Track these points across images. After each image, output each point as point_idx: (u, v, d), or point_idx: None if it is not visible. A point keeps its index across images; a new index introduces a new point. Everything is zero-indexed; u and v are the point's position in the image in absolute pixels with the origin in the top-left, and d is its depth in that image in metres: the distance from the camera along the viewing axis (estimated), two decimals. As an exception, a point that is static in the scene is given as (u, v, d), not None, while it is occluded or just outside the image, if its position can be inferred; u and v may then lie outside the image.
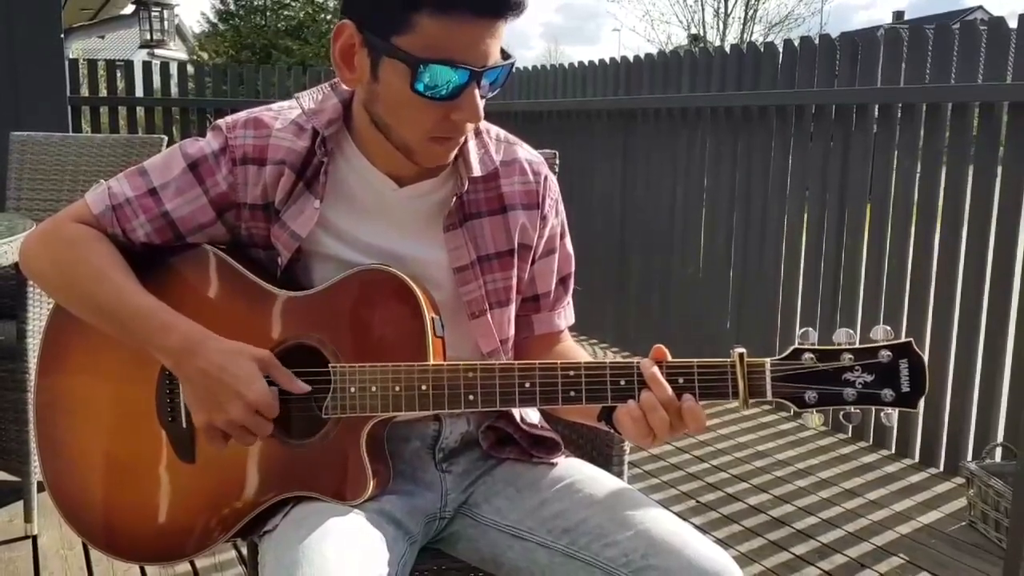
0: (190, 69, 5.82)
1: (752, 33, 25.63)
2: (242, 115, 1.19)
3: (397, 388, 1.09)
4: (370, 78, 1.08)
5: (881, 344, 1.04)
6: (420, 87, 1.04)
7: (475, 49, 1.04)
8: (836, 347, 1.05)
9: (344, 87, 1.18)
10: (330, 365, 1.11)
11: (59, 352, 1.22)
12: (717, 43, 23.15)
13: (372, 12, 1.05)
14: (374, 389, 1.09)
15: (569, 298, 1.37)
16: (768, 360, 1.05)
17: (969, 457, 3.02)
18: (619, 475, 1.35)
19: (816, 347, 1.05)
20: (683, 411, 1.05)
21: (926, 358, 1.08)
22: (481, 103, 1.07)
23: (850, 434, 3.45)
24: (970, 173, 3.03)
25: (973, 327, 3.02)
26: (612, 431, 1.16)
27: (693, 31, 26.25)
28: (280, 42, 16.67)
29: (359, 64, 1.09)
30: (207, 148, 1.18)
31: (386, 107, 1.10)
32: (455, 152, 1.16)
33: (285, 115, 1.19)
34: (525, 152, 1.29)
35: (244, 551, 1.30)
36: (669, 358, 1.08)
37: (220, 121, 1.20)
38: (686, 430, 1.07)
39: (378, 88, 1.08)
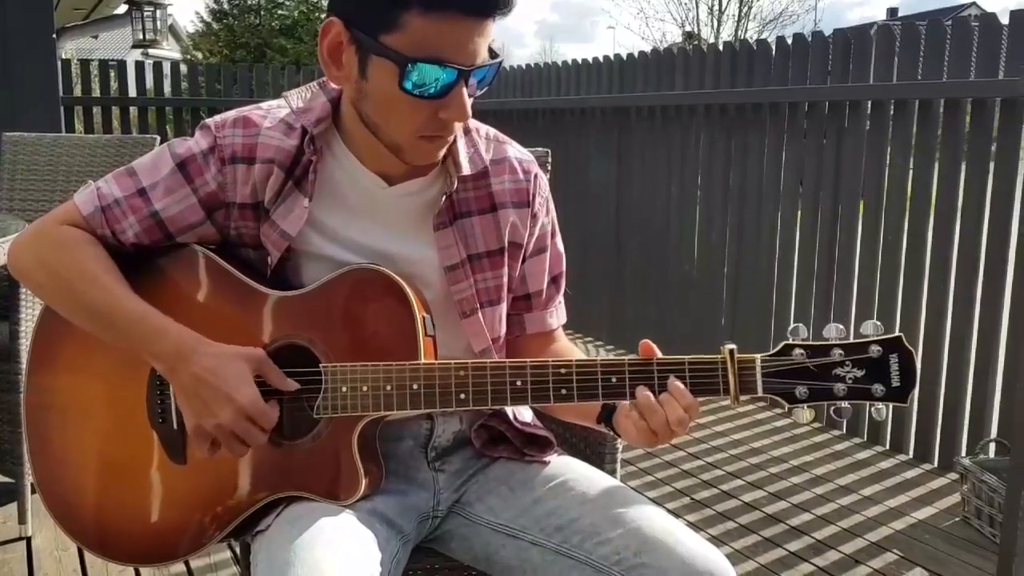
0: (183, 69, 5.79)
1: (746, 30, 25.61)
2: (231, 114, 1.19)
3: (388, 387, 1.09)
4: (358, 76, 1.08)
5: (871, 339, 1.04)
6: (408, 86, 1.04)
7: (464, 48, 1.03)
8: (826, 343, 1.05)
9: (333, 85, 1.18)
10: (321, 365, 1.10)
11: (49, 352, 1.22)
12: (711, 40, 23.16)
13: (360, 10, 1.05)
14: (365, 388, 1.09)
15: (561, 297, 1.37)
16: (759, 356, 1.06)
17: (963, 453, 3.02)
18: (612, 473, 1.35)
19: (807, 343, 1.05)
20: (670, 389, 1.06)
21: (919, 354, 1.08)
22: (469, 102, 1.07)
23: (844, 430, 3.45)
24: (963, 169, 3.04)
25: (966, 323, 3.02)
26: (612, 433, 1.17)
27: (687, 29, 26.24)
28: (274, 41, 16.63)
29: (347, 62, 1.08)
30: (196, 147, 1.17)
31: (374, 105, 1.10)
32: (444, 150, 1.16)
33: (274, 114, 1.19)
34: (515, 151, 1.29)
35: (238, 551, 1.30)
36: (658, 354, 1.08)
37: (208, 120, 1.19)
38: (684, 420, 1.06)
39: (366, 86, 1.08)
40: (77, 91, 5.46)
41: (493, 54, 1.08)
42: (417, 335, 1.10)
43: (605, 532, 1.12)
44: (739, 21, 25.74)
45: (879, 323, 1.06)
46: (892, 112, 3.24)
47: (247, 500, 1.14)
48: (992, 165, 2.95)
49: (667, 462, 3.12)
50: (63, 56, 6.42)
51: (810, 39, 3.55)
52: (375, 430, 1.16)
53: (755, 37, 20.46)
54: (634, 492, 1.21)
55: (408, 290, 1.11)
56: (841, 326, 1.05)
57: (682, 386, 1.06)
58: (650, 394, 1.06)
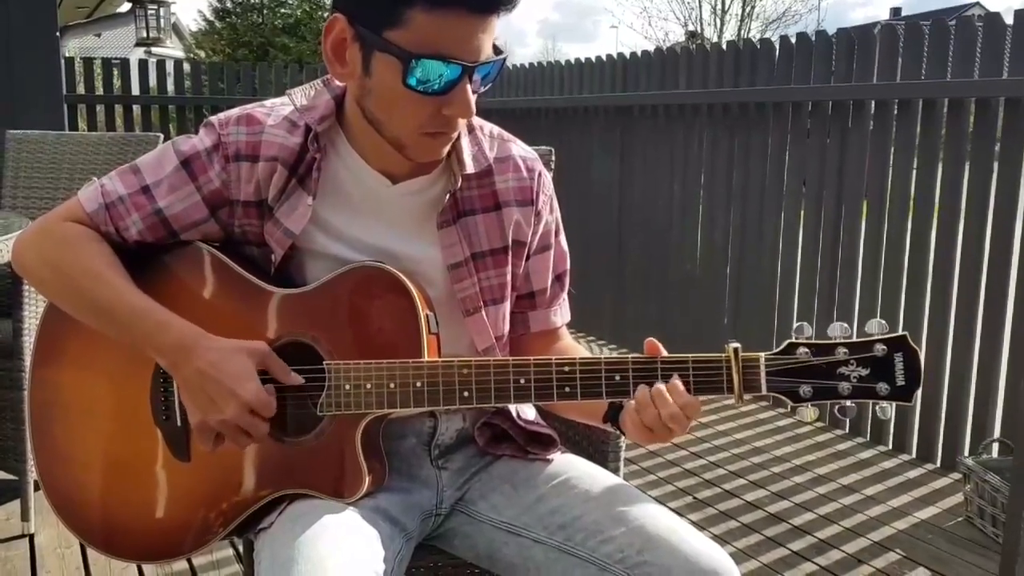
0: (187, 67, 5.82)
1: (749, 30, 25.60)
2: (235, 112, 1.19)
3: (392, 385, 1.09)
4: (362, 72, 1.08)
5: (876, 338, 1.04)
6: (412, 82, 1.04)
7: (468, 44, 1.03)
8: (831, 341, 1.05)
9: (337, 83, 1.18)
10: (325, 362, 1.10)
11: (54, 348, 1.22)
12: (714, 40, 23.13)
13: (364, 6, 1.05)
14: (369, 386, 1.09)
15: (565, 295, 1.36)
16: (763, 355, 1.06)
17: (966, 453, 3.02)
18: (615, 471, 1.35)
19: (811, 341, 1.05)
20: (669, 389, 1.06)
21: (922, 353, 1.08)
22: (473, 98, 1.07)
23: (847, 430, 3.45)
24: (966, 169, 3.03)
25: (970, 322, 3.02)
26: (618, 432, 1.17)
27: (690, 28, 26.25)
28: (277, 39, 16.65)
29: (351, 58, 1.08)
30: (200, 145, 1.17)
31: (378, 102, 1.09)
32: (448, 147, 1.16)
33: (278, 111, 1.19)
34: (519, 149, 1.29)
35: (241, 548, 1.30)
36: (663, 353, 1.08)
37: (212, 118, 1.19)
38: (678, 416, 1.06)
39: (370, 83, 1.08)
40: (80, 89, 5.47)
41: (497, 50, 1.08)
42: (421, 333, 1.10)
43: (608, 530, 1.12)
44: (742, 20, 25.74)
45: (883, 322, 1.05)
46: (896, 112, 3.23)
47: (251, 497, 1.14)
48: (996, 164, 2.94)
49: (669, 461, 3.12)
50: (66, 54, 6.41)
51: (813, 38, 3.54)
52: (378, 427, 1.16)
53: (758, 36, 20.43)
54: (637, 491, 1.20)
55: (412, 288, 1.11)
56: (845, 325, 1.05)
57: (679, 383, 1.06)
58: (647, 390, 1.06)
